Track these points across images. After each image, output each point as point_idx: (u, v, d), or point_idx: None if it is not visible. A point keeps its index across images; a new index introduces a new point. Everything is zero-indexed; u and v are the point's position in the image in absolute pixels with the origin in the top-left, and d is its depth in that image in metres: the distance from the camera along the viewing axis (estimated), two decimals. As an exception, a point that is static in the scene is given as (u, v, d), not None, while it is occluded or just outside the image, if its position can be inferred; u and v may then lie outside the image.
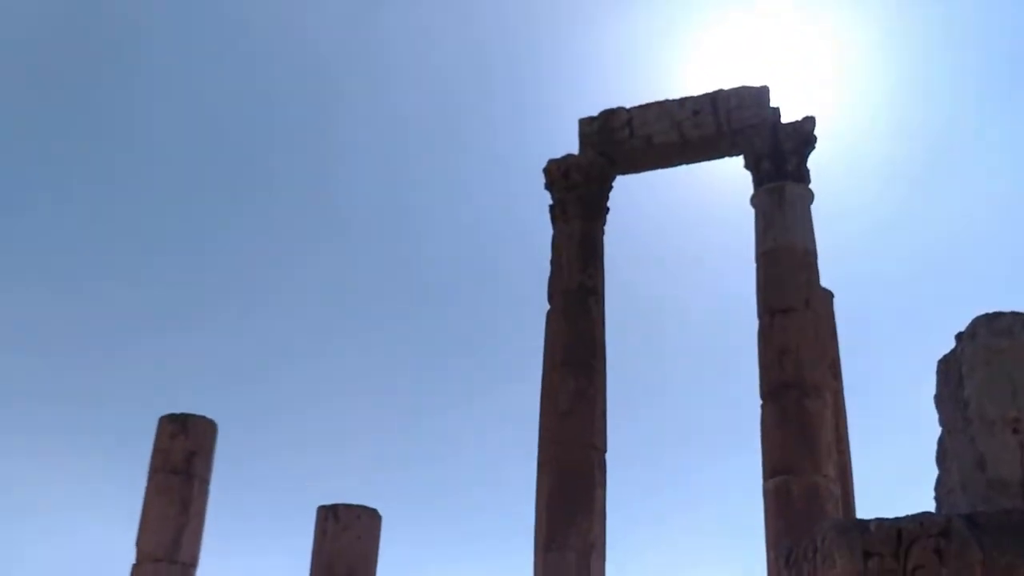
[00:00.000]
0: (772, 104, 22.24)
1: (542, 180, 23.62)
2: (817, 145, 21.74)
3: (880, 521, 4.76)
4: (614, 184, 23.61)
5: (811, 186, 21.54)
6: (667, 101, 23.14)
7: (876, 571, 4.67)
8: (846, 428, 23.13)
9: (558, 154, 23.49)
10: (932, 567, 4.62)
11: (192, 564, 22.67)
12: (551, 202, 23.35)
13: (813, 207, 21.46)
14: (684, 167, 23.71)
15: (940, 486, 7.61)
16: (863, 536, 4.73)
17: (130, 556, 22.39)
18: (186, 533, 22.46)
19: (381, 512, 22.41)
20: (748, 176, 22.05)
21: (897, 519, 4.79)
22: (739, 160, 22.47)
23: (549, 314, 22.22)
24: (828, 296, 24.43)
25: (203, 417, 23.57)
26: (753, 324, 20.76)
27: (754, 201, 21.69)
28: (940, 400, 9.57)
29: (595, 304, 22.02)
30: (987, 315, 9.26)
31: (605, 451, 20.72)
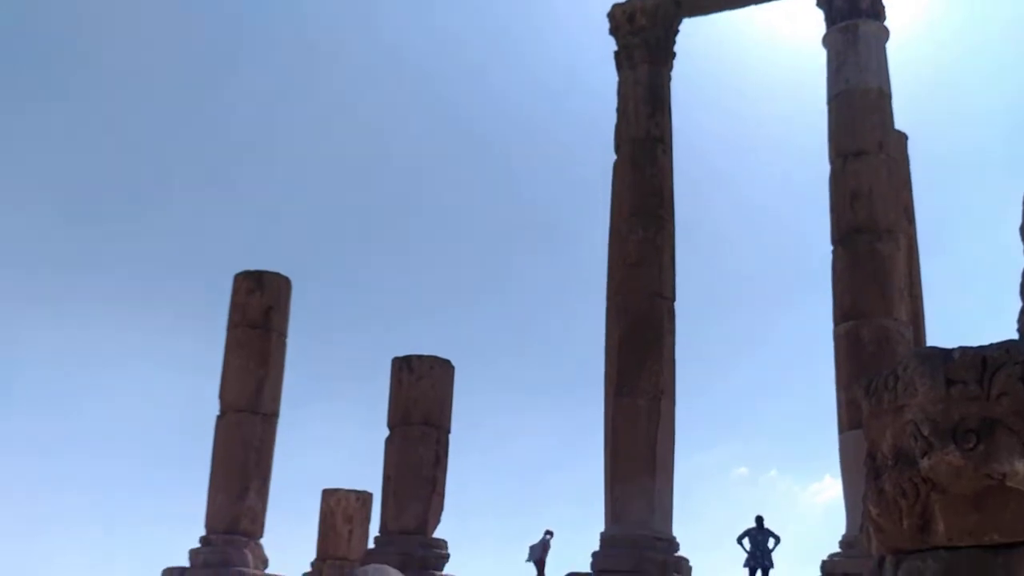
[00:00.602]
0: (845, -65, 21.22)
1: (605, 26, 23.05)
2: (893, -22, 20.82)
3: (964, 349, 4.74)
4: (680, 28, 22.96)
5: (886, 23, 20.73)
6: (735, -64, 22.26)
7: (959, 398, 4.67)
8: (919, 273, 22.87)
9: (622, -1, 22.85)
10: (1017, 394, 4.61)
11: (273, 414, 23.53)
12: (615, 48, 22.83)
13: (888, 45, 20.71)
14: (753, 7, 22.92)
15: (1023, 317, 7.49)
16: (946, 363, 4.72)
17: (214, 408, 23.33)
18: (266, 385, 23.23)
19: (454, 362, 22.97)
20: (820, 14, 21.25)
21: (981, 347, 4.77)
22: (811, -3, 21.62)
23: (616, 164, 22.02)
24: (902, 139, 23.81)
25: (278, 273, 24.06)
26: (824, 169, 20.40)
27: (826, 41, 20.96)
28: (1024, 232, 9.34)
29: (662, 153, 21.75)
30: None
31: (674, 300, 20.80)
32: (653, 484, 19.13)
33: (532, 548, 22.99)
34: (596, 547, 19.38)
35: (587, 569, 19.12)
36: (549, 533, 23.17)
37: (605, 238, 21.44)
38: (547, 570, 22.80)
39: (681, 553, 19.39)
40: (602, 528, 19.53)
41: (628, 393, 19.66)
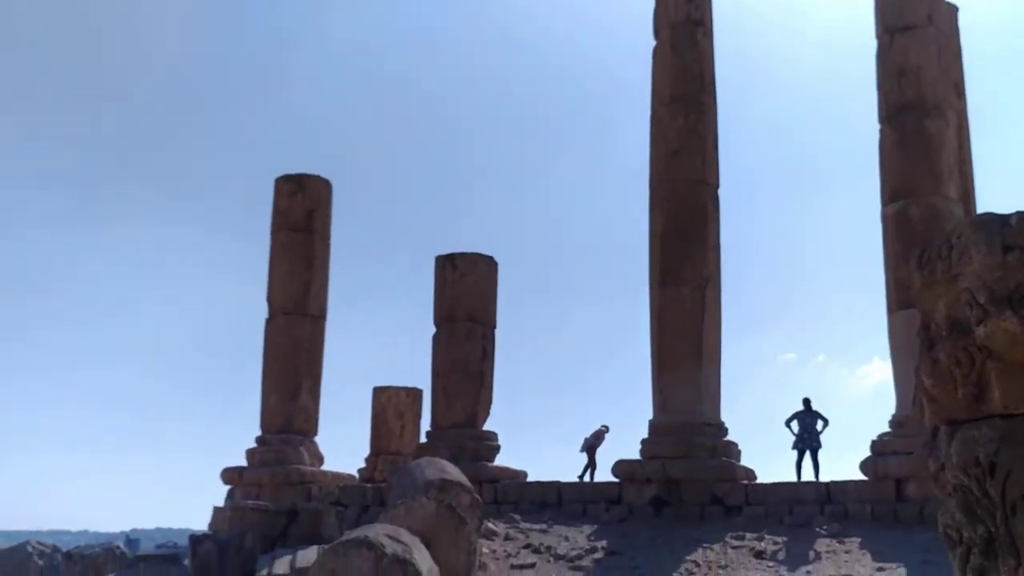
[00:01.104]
0: None
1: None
2: None
3: (1021, 214, 4.58)
4: (718, -95, 22.13)
5: None
6: None
7: (1016, 264, 4.53)
8: (970, 149, 22.31)
9: None
10: (1074, 258, 4.46)
11: (321, 316, 23.81)
12: (652, -70, 22.08)
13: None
14: None
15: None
16: (1003, 229, 4.57)
17: (263, 311, 23.64)
18: (312, 287, 23.46)
19: (497, 259, 23.00)
20: None
21: (1039, 212, 4.60)
22: None
23: (655, 50, 21.50)
24: (952, 11, 22.97)
25: (318, 176, 24.07)
26: (871, 46, 19.80)
27: (871, -91, 20.12)
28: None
29: (703, 36, 21.18)
30: None
31: (718, 186, 20.50)
32: (700, 372, 19.17)
33: (586, 439, 23.27)
34: (644, 435, 19.56)
35: (636, 456, 19.33)
36: (605, 427, 23.42)
37: (646, 127, 21.09)
38: (596, 459, 23.11)
39: (730, 438, 19.52)
40: (650, 417, 19.67)
41: (673, 283, 19.56)
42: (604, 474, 21.43)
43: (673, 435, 18.96)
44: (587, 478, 22.50)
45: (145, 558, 14.86)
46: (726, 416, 19.70)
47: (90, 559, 16.36)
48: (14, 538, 28.11)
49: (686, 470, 18.58)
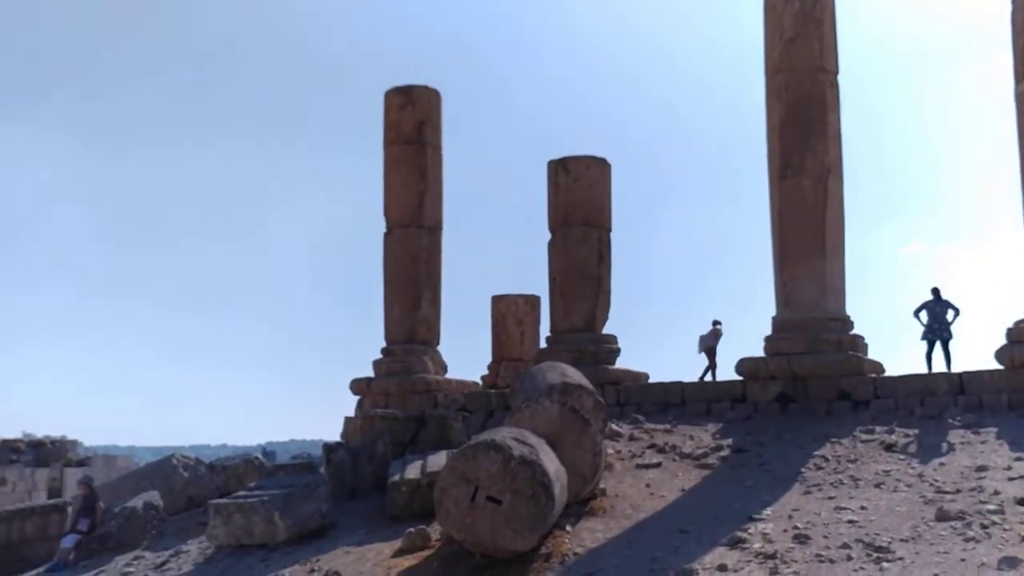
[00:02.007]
0: None
1: None
2: None
3: None
4: None
5: None
6: None
7: None
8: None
9: None
10: None
11: (436, 227, 23.99)
12: None
13: None
14: None
15: None
16: None
17: (380, 226, 23.94)
18: (426, 198, 23.60)
19: (609, 160, 22.69)
20: None
21: None
22: None
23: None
24: None
25: (426, 87, 24.01)
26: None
27: None
28: None
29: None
30: None
31: (836, 73, 19.68)
32: (823, 265, 18.68)
33: (702, 338, 23.08)
34: (767, 332, 19.28)
35: (759, 354, 19.10)
36: (718, 323, 23.19)
37: (760, 14, 20.29)
38: (717, 359, 22.95)
39: (856, 332, 19.08)
40: (773, 313, 19.35)
41: (793, 175, 19.00)
42: (726, 372, 21.31)
43: (797, 331, 18.64)
44: (708, 379, 22.39)
45: (283, 467, 15.46)
46: (851, 310, 19.25)
47: (232, 469, 17.13)
48: (159, 453, 29.68)
49: (811, 366, 18.29)
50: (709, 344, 22.99)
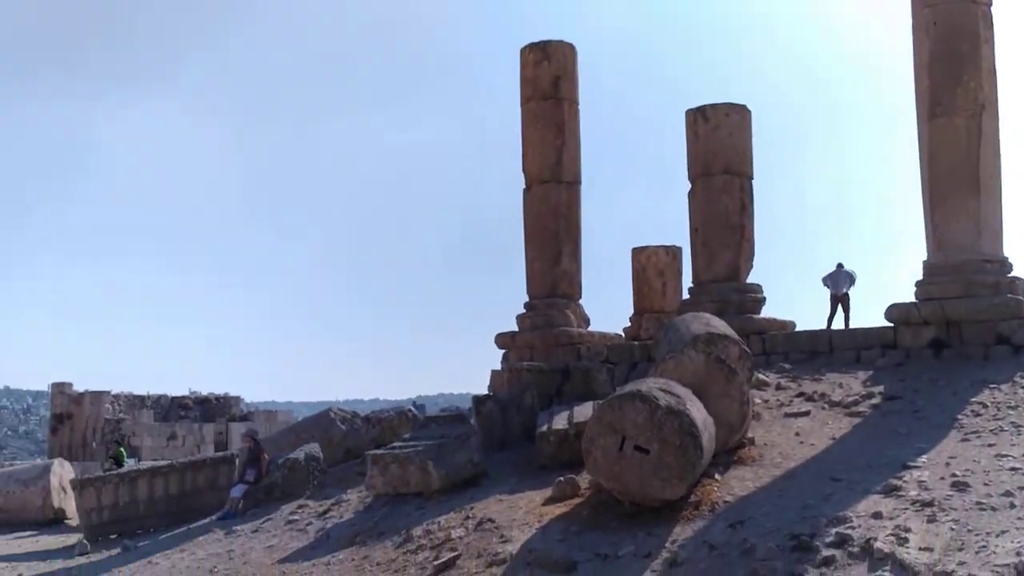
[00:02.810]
0: None
1: None
2: None
3: None
4: None
5: None
6: None
7: None
8: None
9: None
10: None
11: (575, 181, 24.07)
12: None
13: None
14: None
15: None
16: None
17: (520, 182, 24.16)
18: (564, 153, 23.69)
19: (749, 107, 22.27)
20: None
21: None
22: None
23: None
24: None
25: (562, 41, 24.00)
26: None
27: None
28: None
29: None
30: None
31: (990, 3, 18.76)
32: (977, 206, 17.96)
33: (831, 281, 22.57)
34: (918, 276, 18.73)
35: (910, 299, 18.59)
36: (840, 266, 22.65)
37: (904, -53, 19.46)
38: (853, 303, 22.49)
39: (1015, 274, 18.33)
40: (924, 257, 18.76)
41: (943, 112, 18.26)
42: (864, 319, 20.79)
43: (950, 274, 18.04)
44: (843, 324, 22.00)
45: (435, 419, 15.96)
46: (1010, 252, 18.49)
47: (386, 421, 17.79)
48: (314, 408, 30.91)
49: (966, 310, 17.69)
50: (842, 289, 22.50)
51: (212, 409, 43.09)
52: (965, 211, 18.00)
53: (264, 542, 13.88)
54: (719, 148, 21.57)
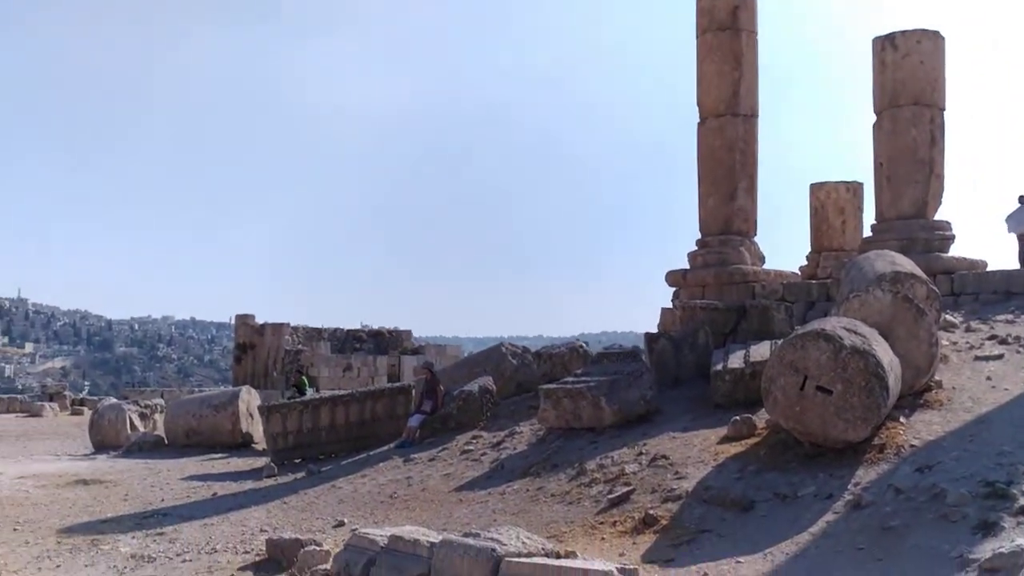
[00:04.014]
0: None
1: None
2: None
3: None
4: None
5: None
6: None
7: None
8: None
9: None
10: None
11: (752, 115, 23.35)
12: None
13: None
14: None
15: None
16: None
17: (694, 116, 23.64)
18: (742, 86, 22.99)
19: (943, 34, 20.98)
20: None
21: None
22: None
23: None
24: None
25: (739, -32, 23.17)
26: None
27: None
28: None
29: None
30: None
31: None
32: None
33: (1014, 219, 21.23)
34: None
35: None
36: (1023, 201, 21.25)
37: None
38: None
39: None
40: None
41: None
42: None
43: None
44: None
45: (607, 355, 15.95)
46: None
47: (557, 357, 17.90)
48: (481, 344, 31.43)
49: None
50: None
51: (385, 342, 44.36)
52: None
53: (441, 470, 14.27)
54: (908, 78, 20.47)
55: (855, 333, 10.71)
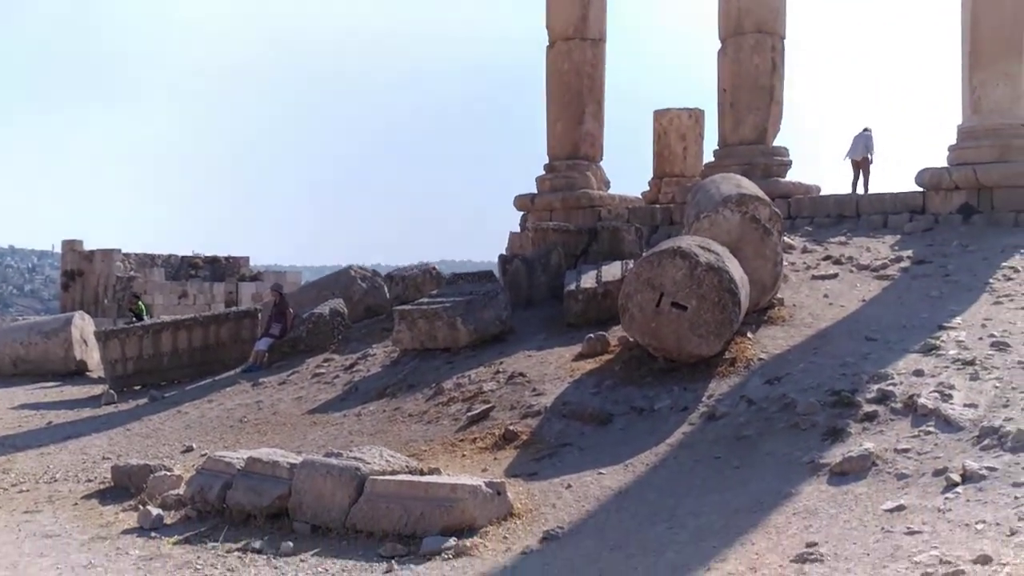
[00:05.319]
0: None
1: None
2: None
3: None
4: None
5: None
6: None
7: None
8: None
9: None
10: None
11: (600, 39, 23.37)
12: None
13: None
14: None
15: None
16: None
17: (543, 39, 23.50)
18: (591, 9, 22.92)
19: (783, -38, 21.43)
20: None
21: None
22: None
23: None
24: None
25: None
26: None
27: None
28: None
29: None
30: None
31: None
32: (1020, 69, 17.47)
33: (855, 143, 22.45)
34: (951, 141, 18.38)
35: (942, 164, 18.27)
36: (867, 130, 22.41)
37: None
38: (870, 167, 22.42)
39: (1051, 141, 17.96)
40: (958, 121, 18.35)
41: (989, -30, 17.59)
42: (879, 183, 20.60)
43: (986, 139, 17.67)
44: (860, 190, 21.91)
45: (462, 276, 15.88)
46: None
47: (410, 279, 17.69)
48: (320, 273, 30.81)
49: (1000, 175, 17.42)
50: (861, 153, 22.34)
51: (222, 269, 43.03)
52: (1006, 73, 17.52)
53: (292, 394, 13.98)
54: (752, 5, 20.83)
55: (709, 251, 10.95)
